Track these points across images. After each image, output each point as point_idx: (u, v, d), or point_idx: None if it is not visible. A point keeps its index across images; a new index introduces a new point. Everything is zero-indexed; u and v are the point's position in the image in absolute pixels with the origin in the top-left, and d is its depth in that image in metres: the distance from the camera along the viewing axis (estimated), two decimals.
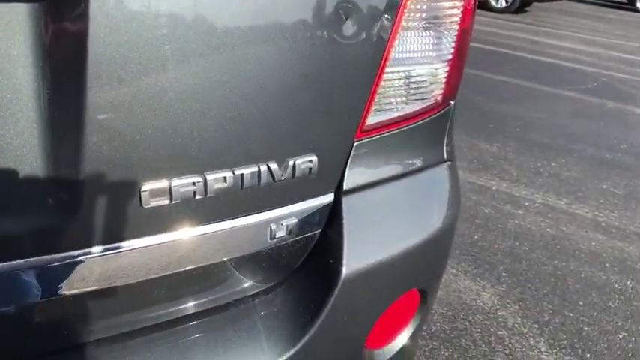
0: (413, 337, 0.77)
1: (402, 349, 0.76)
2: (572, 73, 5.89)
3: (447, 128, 0.77)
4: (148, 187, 0.53)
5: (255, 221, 0.62)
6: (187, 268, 0.59)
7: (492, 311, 1.89)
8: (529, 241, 2.36)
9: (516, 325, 1.83)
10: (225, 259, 0.61)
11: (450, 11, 0.67)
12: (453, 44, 0.69)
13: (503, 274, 2.11)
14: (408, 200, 0.71)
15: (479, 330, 1.79)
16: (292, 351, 0.59)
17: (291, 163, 0.60)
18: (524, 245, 2.33)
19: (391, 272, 0.66)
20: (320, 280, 0.63)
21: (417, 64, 0.66)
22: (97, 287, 0.54)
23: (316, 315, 0.61)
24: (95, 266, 0.53)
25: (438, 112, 0.72)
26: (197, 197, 0.56)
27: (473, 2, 0.69)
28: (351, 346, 0.68)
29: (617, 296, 2.06)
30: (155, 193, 0.53)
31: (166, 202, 0.54)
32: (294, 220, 0.64)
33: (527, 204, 2.70)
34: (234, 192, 0.58)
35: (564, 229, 2.51)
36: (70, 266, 0.52)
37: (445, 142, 0.77)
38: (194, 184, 0.55)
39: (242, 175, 0.58)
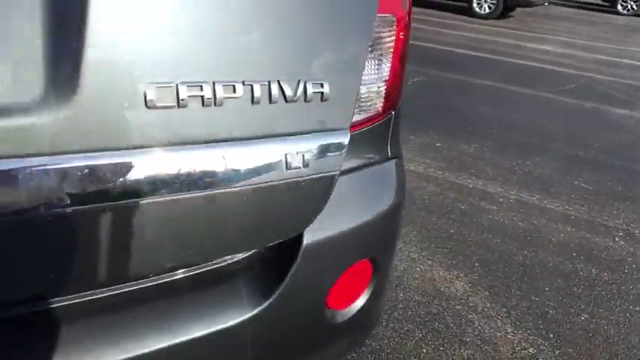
0: (370, 301, 0.93)
1: (361, 311, 0.92)
2: (552, 75, 6.11)
3: (390, 133, 0.94)
4: (153, 86, 0.51)
5: (269, 145, 0.62)
6: (197, 193, 0.58)
7: (464, 297, 2.05)
8: (501, 234, 2.53)
9: (485, 310, 1.99)
10: (239, 187, 0.61)
11: (386, 42, 0.84)
12: (390, 67, 0.86)
13: (476, 264, 2.27)
14: (359, 188, 0.88)
15: (451, 314, 1.95)
16: (265, 304, 0.76)
17: (302, 84, 0.62)
18: (497, 238, 2.50)
19: (344, 244, 0.83)
20: (286, 248, 0.79)
21: (361, 84, 0.83)
22: (94, 204, 0.52)
23: (283, 276, 0.78)
24: (95, 174, 0.51)
25: (380, 120, 0.89)
26: (206, 105, 0.55)
27: (404, 34, 0.87)
28: (314, 304, 0.85)
29: (581, 283, 2.23)
30: (161, 95, 0.52)
31: (173, 104, 0.53)
32: (310, 152, 0.67)
33: (501, 200, 2.88)
34: (245, 106, 0.58)
35: (535, 222, 2.68)
36: (67, 171, 0.50)
37: (389, 143, 0.94)
38: (201, 88, 0.54)
39: (252, 87, 0.57)
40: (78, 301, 0.69)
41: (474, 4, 10.34)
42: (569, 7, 14.32)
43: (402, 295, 2.02)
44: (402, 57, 0.89)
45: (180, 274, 0.76)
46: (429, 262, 2.24)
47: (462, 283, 2.13)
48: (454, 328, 1.88)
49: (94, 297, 0.71)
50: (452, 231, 2.52)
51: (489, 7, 10.25)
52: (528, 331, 1.90)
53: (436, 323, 1.89)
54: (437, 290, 2.07)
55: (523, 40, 8.33)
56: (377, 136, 0.91)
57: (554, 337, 1.89)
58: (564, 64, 6.73)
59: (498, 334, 1.87)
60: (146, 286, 0.74)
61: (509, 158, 3.45)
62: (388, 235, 0.96)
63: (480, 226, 2.59)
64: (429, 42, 7.17)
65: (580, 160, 3.56)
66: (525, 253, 2.40)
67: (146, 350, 0.68)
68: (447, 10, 10.66)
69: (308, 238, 0.78)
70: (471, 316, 1.95)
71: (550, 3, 12.49)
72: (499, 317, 1.96)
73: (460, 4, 10.61)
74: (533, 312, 2.01)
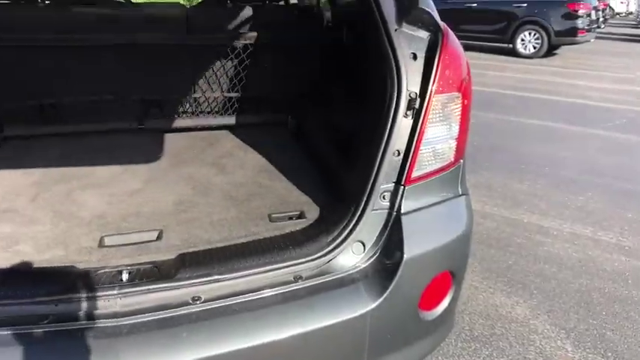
0: (450, 305, 1.25)
1: (444, 313, 1.24)
2: (600, 112, 6.23)
3: (460, 176, 1.29)
4: None
5: None
6: None
7: (525, 320, 2.28)
8: (557, 264, 2.74)
9: (545, 331, 2.21)
10: None
11: (454, 112, 1.21)
12: (458, 129, 1.22)
13: (534, 291, 2.49)
14: (440, 217, 1.23)
15: (513, 335, 2.18)
16: (378, 301, 1.10)
17: None
18: (553, 267, 2.71)
19: (431, 258, 1.17)
20: (393, 261, 1.14)
21: (437, 142, 1.19)
22: None
23: (390, 281, 1.12)
24: None
25: (453, 167, 1.25)
26: None
27: (467, 103, 1.23)
28: (410, 304, 1.18)
29: (637, 307, 2.40)
30: None
31: None
32: None
33: (555, 233, 3.09)
34: None
35: (590, 253, 2.87)
36: None
37: (459, 184, 1.29)
38: None
39: None
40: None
41: (518, 45, 10.61)
42: (617, 40, 14.27)
43: (467, 318, 2.28)
44: (466, 120, 1.26)
45: (322, 278, 1.13)
46: (491, 290, 2.49)
47: (522, 308, 2.36)
48: (517, 346, 2.11)
49: (264, 295, 1.09)
50: (510, 262, 2.75)
51: (534, 47, 10.48)
52: (587, 350, 2.10)
53: (500, 342, 2.13)
54: (499, 314, 2.31)
55: (570, 77, 8.48)
56: (451, 179, 1.27)
57: (612, 356, 2.08)
58: (612, 100, 6.83)
59: (559, 352, 2.09)
60: (302, 287, 1.11)
61: (562, 194, 3.65)
62: (462, 253, 1.29)
63: (537, 257, 2.81)
64: (474, 85, 7.46)
65: (630, 194, 3.70)
66: (581, 281, 2.59)
67: (309, 329, 1.04)
68: (490, 52, 10.99)
69: (407, 255, 1.13)
70: (532, 336, 2.17)
71: (597, 38, 12.54)
72: (559, 338, 2.17)
73: (503, 45, 10.93)
74: (592, 333, 2.20)
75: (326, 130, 1.86)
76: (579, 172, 4.10)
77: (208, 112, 2.29)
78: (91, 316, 0.98)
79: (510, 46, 10.75)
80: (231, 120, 2.30)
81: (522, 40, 10.57)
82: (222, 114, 2.30)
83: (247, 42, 2.07)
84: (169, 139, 2.15)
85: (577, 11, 10.27)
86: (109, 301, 1.00)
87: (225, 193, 1.62)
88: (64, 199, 1.54)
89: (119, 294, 1.01)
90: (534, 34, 10.42)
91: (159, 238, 1.32)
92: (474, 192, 3.61)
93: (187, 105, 2.24)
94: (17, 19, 1.85)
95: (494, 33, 10.90)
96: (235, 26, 2.06)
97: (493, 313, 2.32)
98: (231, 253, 1.18)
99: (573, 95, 7.07)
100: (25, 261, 1.17)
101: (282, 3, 2.28)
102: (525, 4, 10.46)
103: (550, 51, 10.75)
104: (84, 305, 0.99)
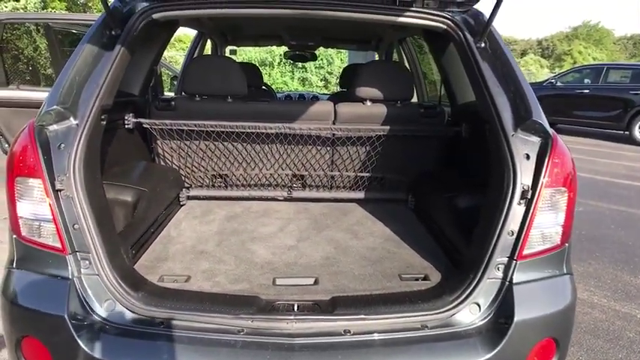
0: None
1: None
2: None
3: (565, 257, 1.51)
4: None
5: None
6: None
7: None
8: None
9: None
10: None
11: (561, 202, 1.46)
12: (564, 216, 1.47)
13: None
14: (546, 290, 1.46)
15: None
16: (490, 354, 1.32)
17: None
18: None
19: (537, 324, 1.38)
20: (504, 322, 1.37)
21: (546, 227, 1.45)
22: None
23: (501, 339, 1.35)
24: None
25: (559, 249, 1.48)
26: None
27: (572, 196, 1.47)
28: None
29: None
30: None
31: None
32: None
33: None
34: None
35: None
36: None
37: (564, 264, 1.51)
38: None
39: None
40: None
41: (636, 132, 10.11)
42: None
43: None
44: (571, 209, 1.50)
45: (444, 329, 1.39)
46: None
47: None
48: None
49: (398, 336, 1.37)
50: (620, 356, 2.70)
51: None
52: None
53: None
54: None
55: None
56: (557, 259, 1.52)
57: None
58: None
59: None
60: (427, 334, 1.38)
61: None
62: (565, 324, 1.51)
63: None
64: (585, 172, 7.29)
65: None
66: None
67: None
68: (603, 138, 10.59)
69: (517, 318, 1.37)
70: None
71: None
72: None
73: (618, 131, 10.49)
74: None
75: (443, 208, 2.15)
76: None
77: (342, 187, 2.73)
78: (274, 333, 1.34)
79: (627, 133, 10.29)
80: (360, 195, 2.71)
81: None
82: (353, 189, 2.72)
83: (380, 133, 2.48)
84: (311, 206, 2.62)
85: None
86: (287, 324, 1.36)
87: (361, 254, 1.97)
88: (240, 247, 2.00)
89: (294, 319, 1.37)
90: None
91: (316, 283, 1.70)
92: (581, 281, 3.59)
93: (325, 180, 2.69)
94: (208, 111, 2.44)
95: (607, 119, 10.54)
96: (371, 120, 2.51)
97: None
98: (372, 300, 1.50)
99: None
100: (224, 289, 1.60)
101: (409, 102, 2.71)
102: None
103: None
104: (269, 324, 1.36)
